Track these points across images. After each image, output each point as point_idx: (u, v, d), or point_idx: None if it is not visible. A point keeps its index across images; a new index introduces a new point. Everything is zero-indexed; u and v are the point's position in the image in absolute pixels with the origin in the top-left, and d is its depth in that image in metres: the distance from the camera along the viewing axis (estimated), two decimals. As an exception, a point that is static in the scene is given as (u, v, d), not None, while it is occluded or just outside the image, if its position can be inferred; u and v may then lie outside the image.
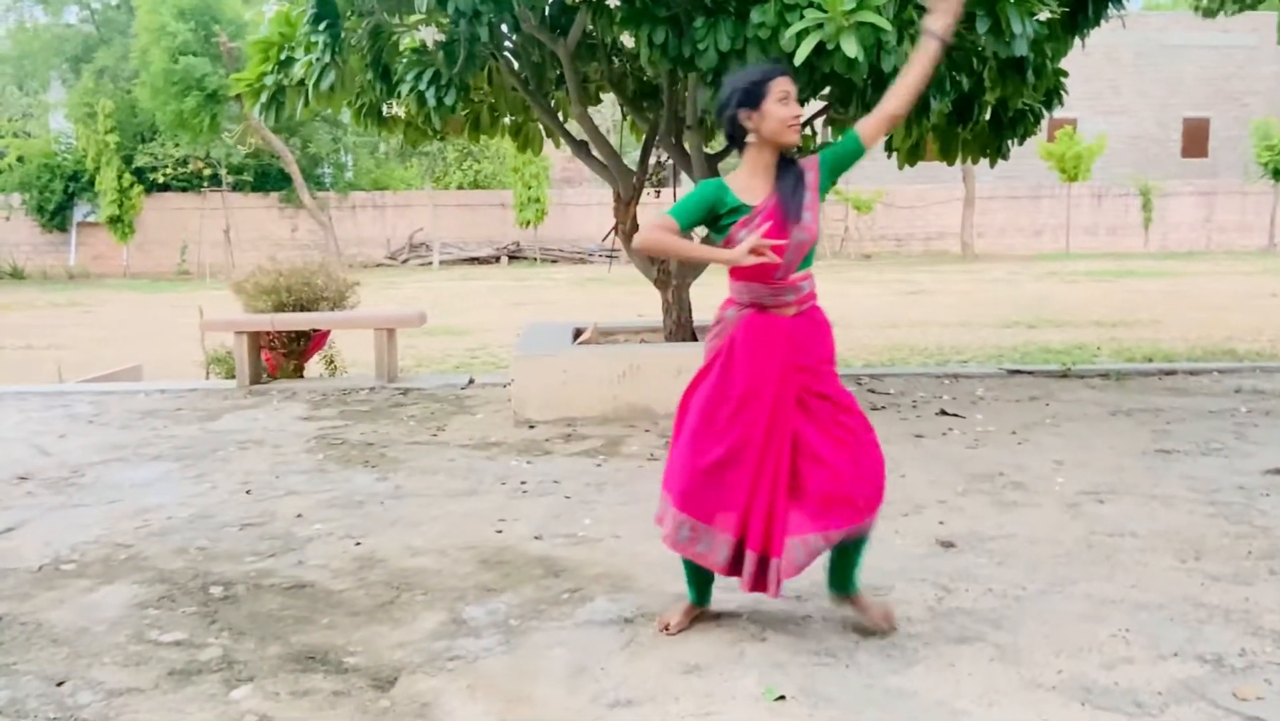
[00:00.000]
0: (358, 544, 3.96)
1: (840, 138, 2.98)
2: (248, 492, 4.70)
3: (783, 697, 2.65)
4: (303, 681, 2.80)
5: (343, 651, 2.99)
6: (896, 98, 2.88)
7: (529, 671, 2.84)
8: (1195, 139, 34.61)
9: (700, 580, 3.08)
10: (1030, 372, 7.65)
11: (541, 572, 3.60)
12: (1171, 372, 7.53)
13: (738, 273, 2.90)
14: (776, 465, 2.87)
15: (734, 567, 2.92)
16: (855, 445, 2.89)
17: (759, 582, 2.90)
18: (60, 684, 2.81)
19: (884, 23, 4.28)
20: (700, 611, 3.13)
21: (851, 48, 4.32)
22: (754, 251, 2.69)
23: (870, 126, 2.89)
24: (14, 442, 5.84)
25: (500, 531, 4.06)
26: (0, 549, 3.95)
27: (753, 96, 2.81)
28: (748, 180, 2.89)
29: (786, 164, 2.90)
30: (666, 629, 3.04)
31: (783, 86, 2.82)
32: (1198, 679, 2.72)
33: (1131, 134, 34.09)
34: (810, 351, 2.91)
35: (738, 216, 2.84)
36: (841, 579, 3.05)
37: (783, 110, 2.80)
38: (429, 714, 2.63)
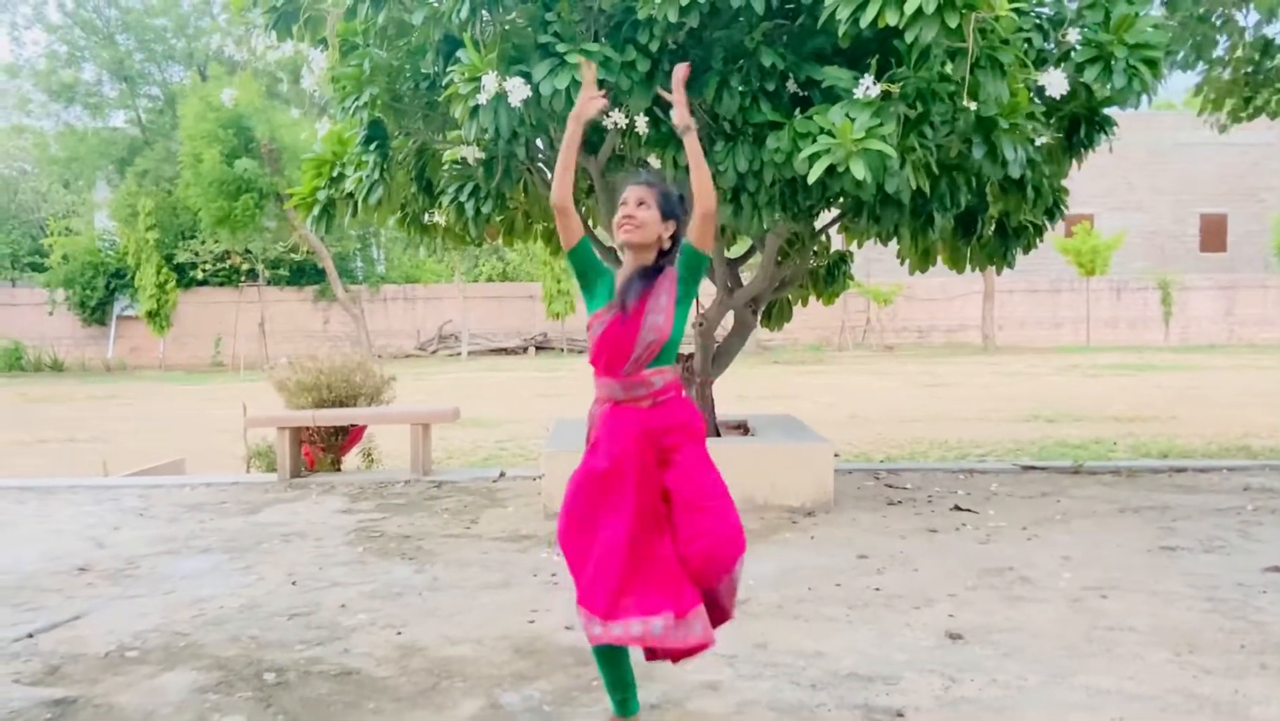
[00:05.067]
0: (399, 633, 4.22)
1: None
2: (293, 584, 4.98)
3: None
4: (354, 761, 3.05)
5: (390, 733, 3.24)
6: (698, 198, 2.97)
7: (562, 753, 3.07)
8: (1213, 233, 34.98)
9: (619, 685, 3.15)
10: (1043, 469, 7.87)
11: (573, 661, 3.84)
12: (1182, 470, 7.72)
13: (596, 370, 3.08)
14: (652, 537, 2.98)
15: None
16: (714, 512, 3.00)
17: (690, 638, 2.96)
18: (134, 761, 3.07)
19: (889, 149, 4.67)
20: None
21: (860, 170, 4.70)
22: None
23: (694, 233, 3.00)
24: (70, 535, 6.17)
25: (533, 621, 4.31)
26: (69, 636, 4.25)
27: None
28: (622, 275, 3.09)
29: (650, 269, 3.06)
30: None
31: (625, 194, 3.06)
32: (1184, 765, 2.92)
33: (1148, 229, 34.53)
34: (668, 430, 3.02)
35: (601, 304, 3.05)
36: None
37: (619, 211, 3.05)
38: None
